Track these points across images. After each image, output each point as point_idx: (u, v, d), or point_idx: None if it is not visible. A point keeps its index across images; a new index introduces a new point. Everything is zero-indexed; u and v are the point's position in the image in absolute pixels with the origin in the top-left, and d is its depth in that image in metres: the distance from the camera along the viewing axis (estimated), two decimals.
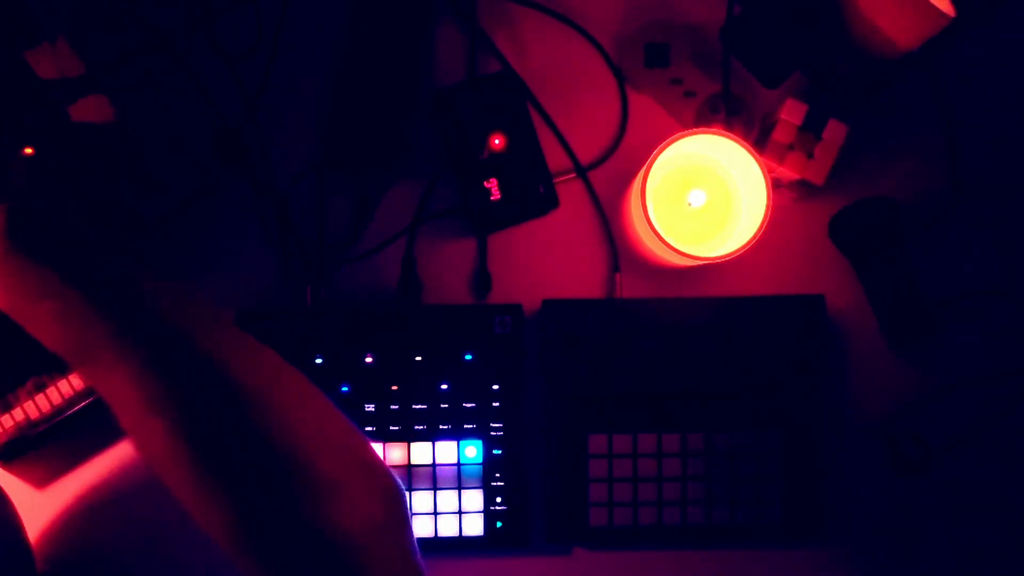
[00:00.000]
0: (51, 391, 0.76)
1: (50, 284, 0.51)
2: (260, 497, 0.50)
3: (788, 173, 0.78)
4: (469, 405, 0.78)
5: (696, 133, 0.75)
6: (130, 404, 0.51)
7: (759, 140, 0.80)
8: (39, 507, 0.79)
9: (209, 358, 0.51)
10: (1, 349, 0.76)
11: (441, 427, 0.78)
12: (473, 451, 0.78)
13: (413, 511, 0.78)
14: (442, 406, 0.78)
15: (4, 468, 0.78)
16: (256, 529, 0.50)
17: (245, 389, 0.51)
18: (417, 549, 0.54)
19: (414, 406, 0.78)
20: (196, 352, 0.51)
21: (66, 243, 0.53)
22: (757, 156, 0.75)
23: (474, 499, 0.78)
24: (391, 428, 0.78)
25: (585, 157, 0.82)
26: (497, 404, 0.78)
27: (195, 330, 0.52)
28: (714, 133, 0.75)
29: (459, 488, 0.78)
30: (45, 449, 0.78)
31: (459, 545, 0.79)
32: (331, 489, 0.51)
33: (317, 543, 0.50)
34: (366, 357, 0.78)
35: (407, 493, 0.78)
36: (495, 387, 0.78)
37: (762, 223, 0.74)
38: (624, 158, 0.81)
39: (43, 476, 0.79)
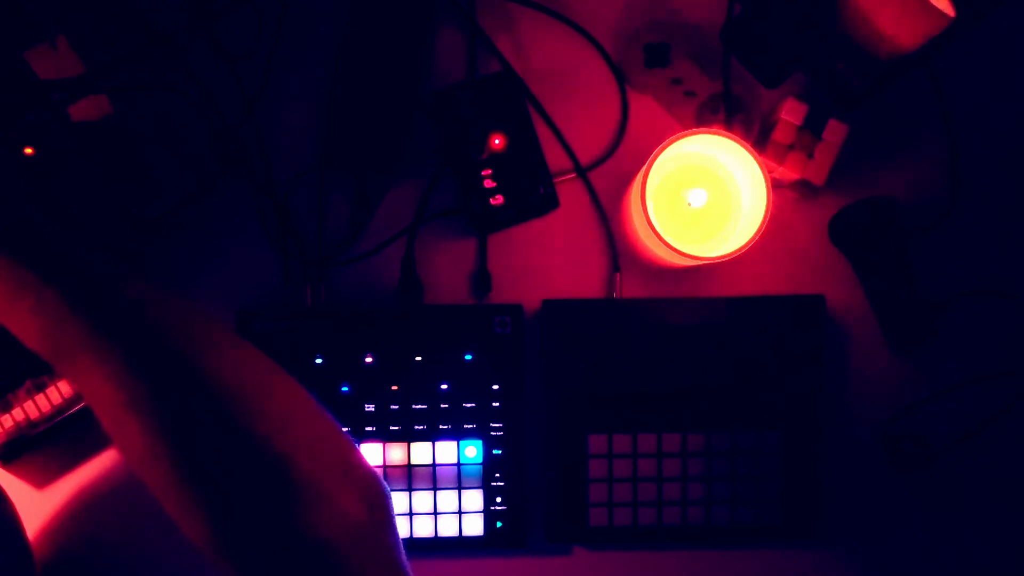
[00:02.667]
0: (51, 391, 0.76)
1: (28, 283, 0.51)
2: (238, 499, 0.49)
3: (788, 173, 0.78)
4: (469, 405, 0.78)
5: (696, 133, 0.75)
6: (109, 404, 0.50)
7: (759, 140, 0.80)
8: (39, 507, 0.79)
9: (189, 358, 0.51)
10: (1, 349, 0.76)
11: (441, 427, 0.78)
12: (473, 451, 0.78)
13: (413, 511, 0.78)
14: (442, 406, 0.78)
15: (4, 468, 0.78)
16: (234, 531, 0.50)
17: (225, 389, 0.51)
18: (402, 550, 0.53)
19: (414, 406, 0.78)
20: (175, 352, 0.51)
21: (45, 242, 0.52)
22: (757, 156, 0.75)
23: (474, 499, 0.78)
24: (391, 428, 0.78)
25: (585, 157, 0.82)
26: (497, 404, 0.78)
27: (176, 330, 0.51)
28: (714, 133, 0.75)
29: (459, 488, 0.78)
30: (45, 449, 0.78)
31: (459, 545, 0.79)
32: (311, 491, 0.50)
33: (297, 545, 0.49)
34: (366, 357, 0.78)
35: (409, 494, 0.78)
36: (495, 387, 0.78)
37: (762, 223, 0.74)
38: (624, 158, 0.81)
39: (43, 476, 0.79)
